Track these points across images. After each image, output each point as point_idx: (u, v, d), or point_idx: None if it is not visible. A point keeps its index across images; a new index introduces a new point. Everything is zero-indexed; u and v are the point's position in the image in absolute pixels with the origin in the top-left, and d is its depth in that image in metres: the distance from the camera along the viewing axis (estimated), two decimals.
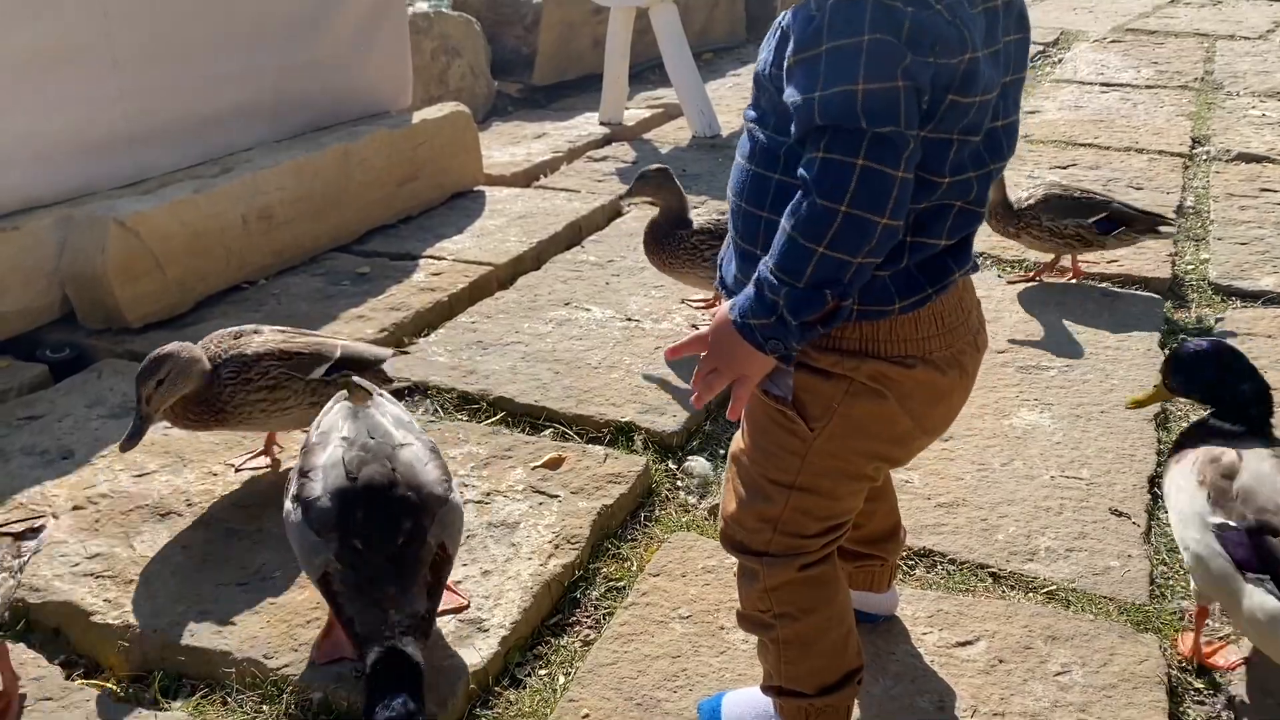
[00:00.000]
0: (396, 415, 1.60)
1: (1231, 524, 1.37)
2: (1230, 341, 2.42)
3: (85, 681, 1.51)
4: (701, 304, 2.63)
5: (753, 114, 1.13)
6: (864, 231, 0.98)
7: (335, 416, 1.58)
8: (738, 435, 1.26)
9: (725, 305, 1.10)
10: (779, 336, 1.04)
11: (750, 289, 1.05)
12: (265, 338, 1.85)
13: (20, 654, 1.53)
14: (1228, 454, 1.44)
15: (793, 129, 1.03)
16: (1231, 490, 1.40)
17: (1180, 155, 3.87)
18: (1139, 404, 1.77)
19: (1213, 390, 1.56)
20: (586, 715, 1.41)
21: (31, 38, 2.44)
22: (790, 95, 1.01)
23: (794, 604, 1.23)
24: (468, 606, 1.54)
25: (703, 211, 2.62)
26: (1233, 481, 1.40)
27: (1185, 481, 1.46)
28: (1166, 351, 1.60)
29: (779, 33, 1.08)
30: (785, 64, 1.02)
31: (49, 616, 1.61)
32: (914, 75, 0.97)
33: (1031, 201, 2.67)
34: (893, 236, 1.01)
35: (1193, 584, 1.48)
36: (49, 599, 1.62)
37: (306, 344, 1.87)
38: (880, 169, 0.97)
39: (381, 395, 1.66)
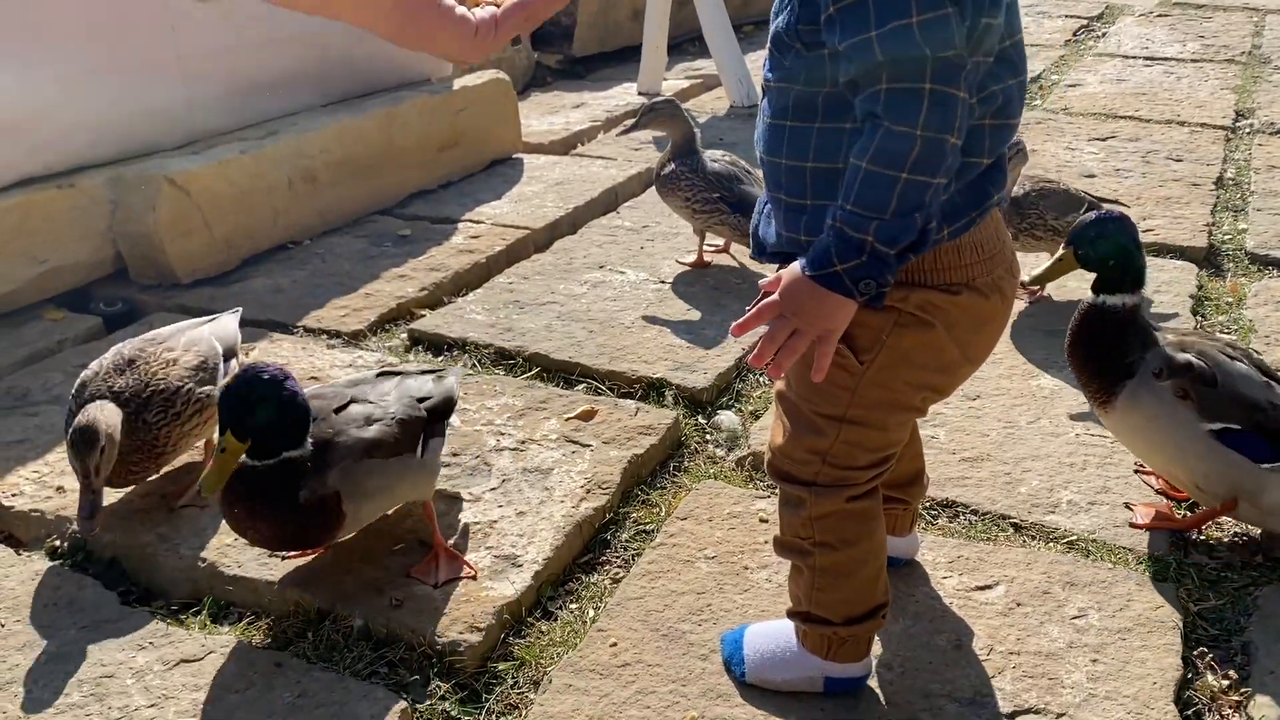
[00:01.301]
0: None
1: (1234, 426, 1.52)
2: (1263, 310, 2.44)
3: (140, 606, 1.59)
4: (688, 265, 2.71)
5: (777, 74, 1.15)
6: (940, 152, 1.02)
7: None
8: (784, 375, 1.28)
9: (791, 267, 1.11)
10: (873, 274, 1.06)
11: (827, 237, 1.07)
12: (169, 364, 1.73)
13: (81, 581, 1.62)
14: (1195, 361, 1.57)
15: (841, 74, 1.05)
16: (1217, 397, 1.53)
17: (1222, 128, 3.84)
18: (1041, 281, 1.81)
19: (1123, 257, 1.63)
20: (614, 644, 1.46)
21: (93, 4, 2.51)
22: (839, 40, 1.03)
23: (836, 534, 1.27)
24: (475, 577, 1.58)
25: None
26: (1215, 388, 1.53)
27: (1159, 409, 1.56)
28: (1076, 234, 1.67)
29: None
30: (824, 16, 1.05)
31: (105, 549, 1.70)
32: (957, 0, 1.01)
33: (1025, 193, 2.44)
34: (959, 156, 1.05)
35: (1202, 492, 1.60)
36: (105, 535, 1.70)
37: (200, 351, 1.79)
38: (946, 90, 1.00)
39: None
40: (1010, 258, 1.24)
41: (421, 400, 1.63)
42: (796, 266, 1.10)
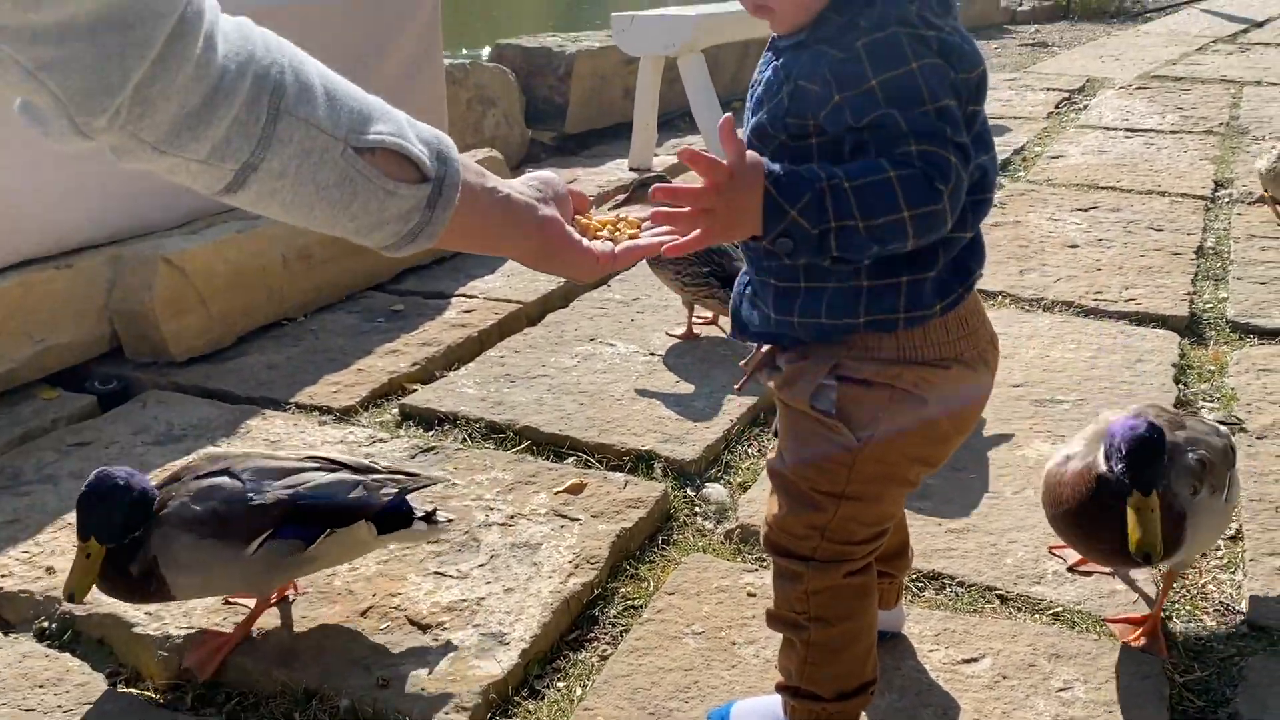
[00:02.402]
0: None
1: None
2: (1245, 378, 2.46)
3: (127, 689, 1.59)
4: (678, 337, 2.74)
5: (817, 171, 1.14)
6: (936, 225, 1.05)
7: None
8: (775, 452, 1.31)
9: (755, 170, 1.06)
10: (799, 242, 1.05)
11: (816, 188, 1.04)
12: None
13: (66, 662, 1.62)
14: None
15: (849, 143, 1.08)
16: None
17: (1202, 198, 3.91)
18: (1150, 547, 1.40)
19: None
20: None
21: None
22: (853, 121, 1.06)
23: (831, 609, 1.28)
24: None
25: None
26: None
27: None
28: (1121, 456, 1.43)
29: (788, 87, 1.12)
30: (821, 110, 1.08)
31: (94, 629, 1.70)
32: (958, 90, 1.06)
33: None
34: (933, 239, 1.08)
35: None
36: (94, 611, 1.70)
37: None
38: (960, 175, 1.05)
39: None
40: (990, 330, 1.27)
41: (303, 498, 1.53)
42: (766, 166, 1.06)
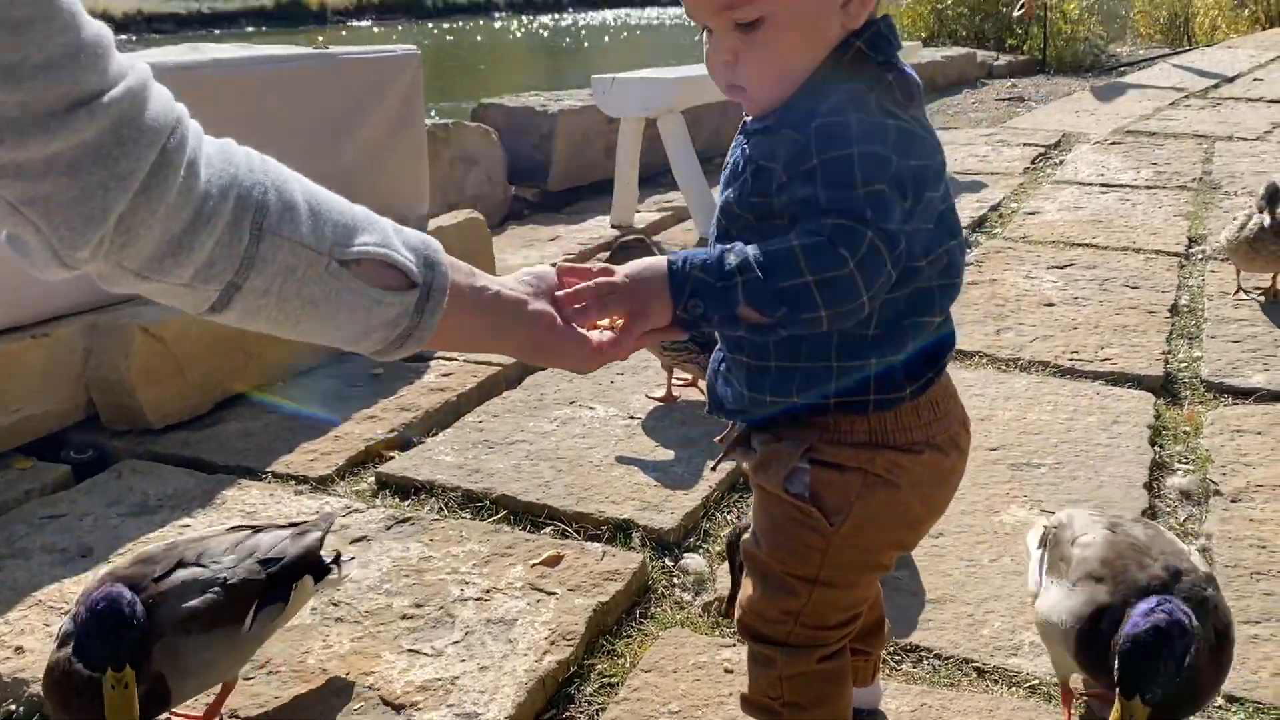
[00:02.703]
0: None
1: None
2: (1219, 439, 2.48)
3: None
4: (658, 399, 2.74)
5: (724, 243, 1.17)
6: (846, 294, 1.04)
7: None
8: (750, 534, 1.31)
9: (658, 257, 1.11)
10: (708, 299, 1.06)
11: (716, 251, 1.07)
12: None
13: None
14: None
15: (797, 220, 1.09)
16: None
17: (1176, 255, 3.96)
18: None
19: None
20: None
21: None
22: (789, 198, 1.08)
23: (806, 694, 1.28)
24: None
25: None
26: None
27: None
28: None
29: (751, 167, 1.15)
30: (775, 185, 1.10)
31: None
32: (901, 178, 1.06)
33: None
34: (853, 317, 1.07)
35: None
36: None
37: None
38: (879, 254, 1.04)
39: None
40: (962, 413, 1.28)
41: (269, 561, 1.55)
42: (665, 257, 1.10)
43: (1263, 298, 3.42)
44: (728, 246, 1.07)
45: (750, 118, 1.20)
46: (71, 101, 0.80)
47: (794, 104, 1.13)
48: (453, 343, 1.08)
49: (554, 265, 1.17)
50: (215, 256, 0.89)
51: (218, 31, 27.63)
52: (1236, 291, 3.46)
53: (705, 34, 1.16)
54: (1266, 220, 3.19)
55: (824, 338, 1.13)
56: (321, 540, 1.65)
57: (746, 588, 1.31)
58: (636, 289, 1.08)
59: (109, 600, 1.35)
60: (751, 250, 1.05)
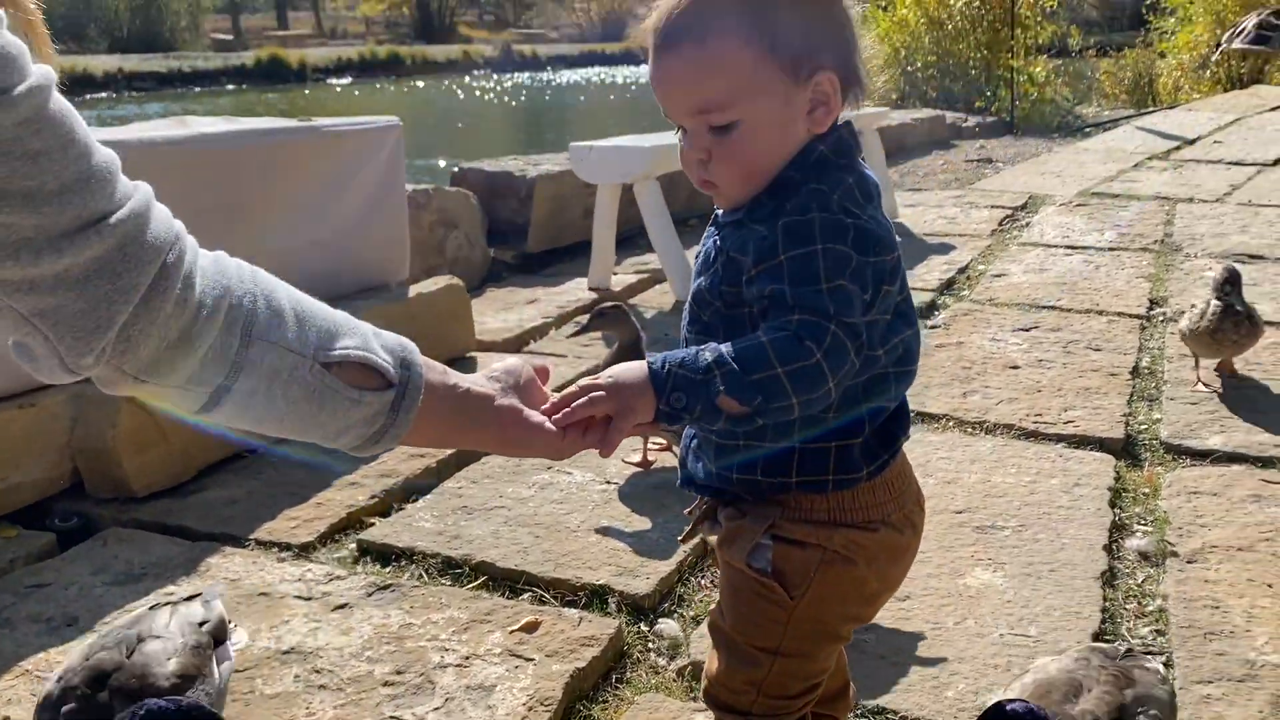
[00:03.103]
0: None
1: None
2: (1177, 501, 2.56)
3: None
4: (636, 464, 2.82)
5: (694, 328, 1.27)
6: (814, 383, 1.11)
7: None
8: (715, 607, 1.38)
9: (636, 361, 1.17)
10: (690, 391, 1.11)
11: (691, 350, 1.14)
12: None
13: None
14: None
15: (757, 309, 1.17)
16: None
17: (1138, 317, 4.09)
18: None
19: None
20: None
21: None
22: (758, 292, 1.16)
23: None
24: None
25: None
26: None
27: None
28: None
29: (722, 258, 1.24)
30: (745, 277, 1.19)
31: None
32: (862, 274, 1.14)
33: None
34: (821, 404, 1.14)
35: None
36: None
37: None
38: (843, 345, 1.12)
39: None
40: (917, 491, 1.35)
41: (201, 624, 1.63)
42: (645, 361, 1.15)
43: (1217, 385, 3.32)
44: (701, 346, 1.15)
45: (721, 211, 1.29)
46: (82, 223, 0.88)
47: (763, 200, 1.22)
48: (426, 438, 1.14)
49: (529, 356, 1.23)
50: (208, 361, 0.97)
51: (198, 90, 27.85)
52: (1197, 384, 3.31)
53: (680, 131, 1.25)
54: (1221, 307, 3.15)
55: (786, 421, 1.21)
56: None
57: (711, 660, 1.37)
58: (621, 389, 1.14)
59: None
60: (725, 347, 1.13)
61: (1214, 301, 3.20)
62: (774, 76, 1.18)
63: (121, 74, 26.61)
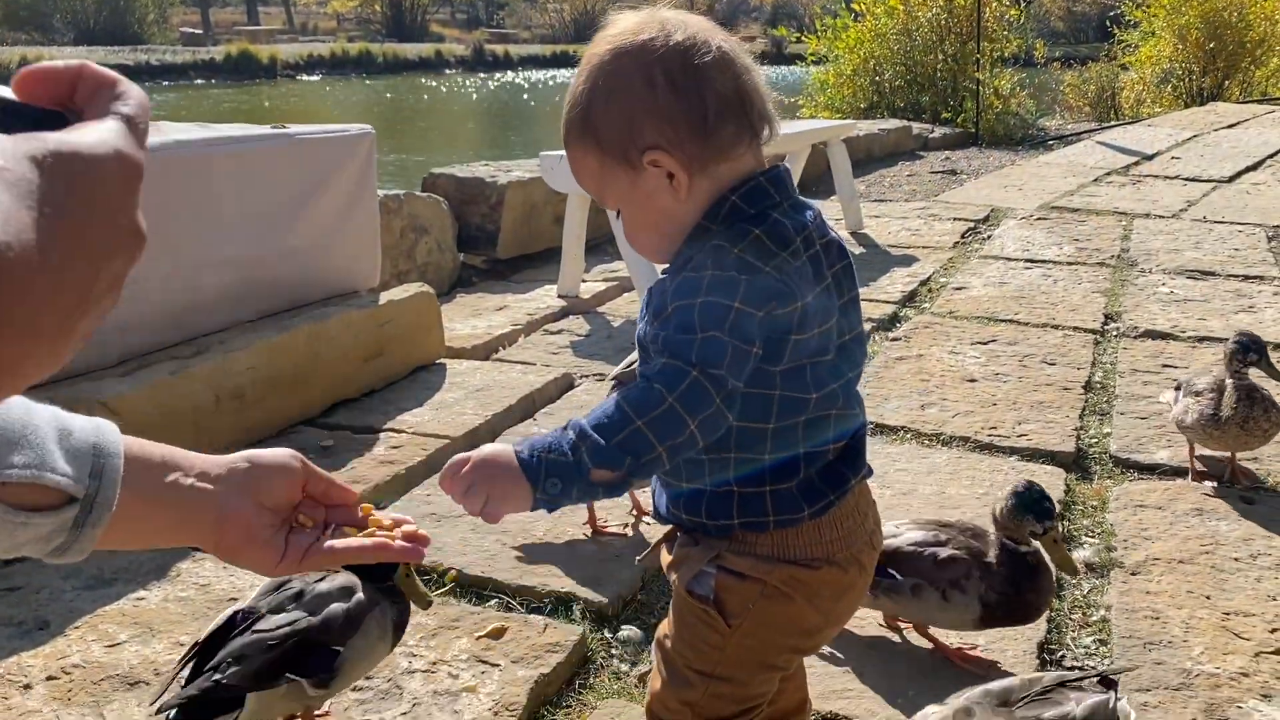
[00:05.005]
0: None
1: None
2: (1123, 514, 2.66)
3: None
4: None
5: (641, 368, 1.31)
6: (675, 428, 1.14)
7: None
8: (665, 621, 1.44)
9: (501, 445, 1.18)
10: (563, 475, 1.13)
11: (554, 434, 1.17)
12: None
13: None
14: None
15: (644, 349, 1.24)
16: None
17: (1093, 331, 4.20)
18: None
19: None
20: None
21: None
22: (652, 338, 1.22)
23: None
24: None
25: None
26: None
27: None
28: None
29: (655, 304, 1.27)
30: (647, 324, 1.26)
31: None
32: (740, 328, 1.17)
33: None
34: (687, 449, 1.18)
35: None
36: None
37: None
38: (704, 391, 1.15)
39: None
40: (872, 530, 1.39)
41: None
42: (506, 446, 1.17)
43: (1220, 481, 2.84)
44: (563, 426, 1.18)
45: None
46: None
47: (682, 252, 1.28)
48: (130, 541, 1.04)
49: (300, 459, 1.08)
50: None
51: (166, 84, 27.59)
52: (1191, 476, 2.87)
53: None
54: (1248, 389, 2.65)
55: (724, 464, 1.27)
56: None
57: (655, 677, 1.43)
58: (494, 477, 1.14)
59: None
60: (584, 420, 1.17)
61: (1230, 381, 2.67)
62: (615, 169, 1.25)
63: None
